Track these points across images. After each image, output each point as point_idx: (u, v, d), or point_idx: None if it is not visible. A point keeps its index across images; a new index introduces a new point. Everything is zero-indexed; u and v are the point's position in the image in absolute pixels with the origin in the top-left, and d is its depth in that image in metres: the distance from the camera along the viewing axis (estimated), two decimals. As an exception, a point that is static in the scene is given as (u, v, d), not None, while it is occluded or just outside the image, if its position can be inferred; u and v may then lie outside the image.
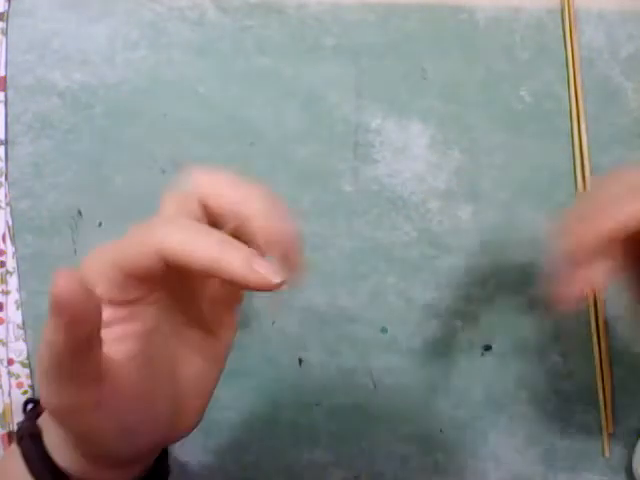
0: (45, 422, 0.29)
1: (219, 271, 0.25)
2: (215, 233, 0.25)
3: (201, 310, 0.30)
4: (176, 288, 0.28)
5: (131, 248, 0.27)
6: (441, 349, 0.46)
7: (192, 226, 0.26)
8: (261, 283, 0.25)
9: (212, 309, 0.30)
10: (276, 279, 0.25)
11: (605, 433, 0.46)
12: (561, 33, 0.48)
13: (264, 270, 0.25)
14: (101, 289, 0.26)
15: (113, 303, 0.26)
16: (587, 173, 0.47)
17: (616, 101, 0.48)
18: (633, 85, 0.48)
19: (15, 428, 0.44)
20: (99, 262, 0.26)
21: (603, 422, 0.46)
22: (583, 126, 0.47)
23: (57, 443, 0.28)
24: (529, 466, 0.46)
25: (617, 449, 0.46)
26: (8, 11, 0.47)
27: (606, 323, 0.46)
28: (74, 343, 0.23)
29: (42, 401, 0.25)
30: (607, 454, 0.46)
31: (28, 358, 0.45)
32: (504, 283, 0.47)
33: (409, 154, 0.47)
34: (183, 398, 0.29)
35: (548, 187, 0.47)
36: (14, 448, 0.29)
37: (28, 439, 0.29)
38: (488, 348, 0.46)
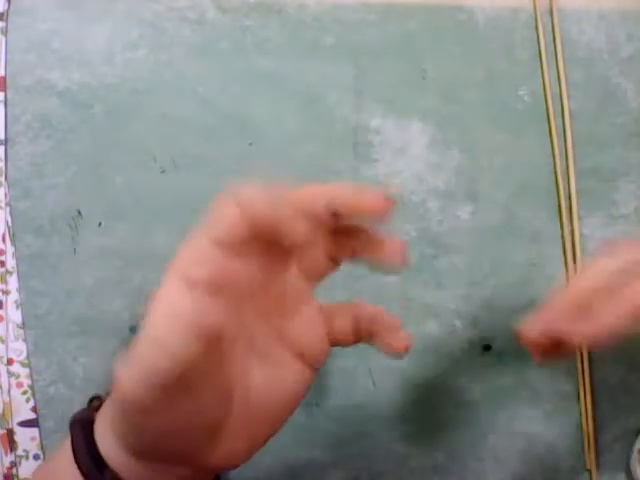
0: (102, 414, 0.29)
1: (334, 204, 0.26)
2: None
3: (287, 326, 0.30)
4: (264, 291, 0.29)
5: (219, 218, 0.26)
6: (441, 349, 0.46)
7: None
8: (374, 198, 0.27)
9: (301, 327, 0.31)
10: (385, 197, 0.27)
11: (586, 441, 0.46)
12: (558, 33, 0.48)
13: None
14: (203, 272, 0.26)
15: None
16: (571, 172, 0.47)
17: (616, 101, 0.48)
18: (633, 85, 0.48)
19: (14, 427, 0.44)
20: (197, 246, 0.27)
21: (584, 427, 0.46)
22: (568, 124, 0.47)
23: (106, 436, 0.28)
24: (529, 466, 0.46)
25: (616, 449, 0.46)
26: (8, 11, 0.47)
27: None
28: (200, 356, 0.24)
29: (127, 396, 0.25)
30: (588, 466, 0.46)
31: (28, 358, 0.45)
32: (504, 283, 0.47)
33: (409, 154, 0.47)
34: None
35: (548, 187, 0.47)
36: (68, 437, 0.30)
37: (78, 425, 0.29)
38: (488, 348, 0.46)
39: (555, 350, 0.34)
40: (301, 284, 0.31)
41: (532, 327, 0.34)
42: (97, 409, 0.31)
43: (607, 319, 0.31)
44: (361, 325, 0.32)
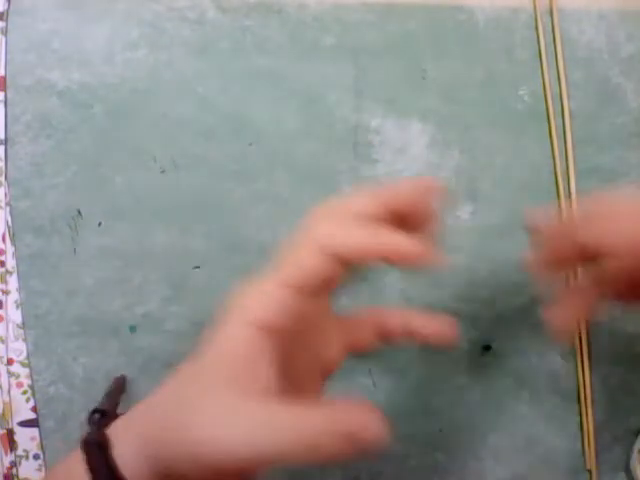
0: (119, 434, 0.29)
1: (385, 252, 0.28)
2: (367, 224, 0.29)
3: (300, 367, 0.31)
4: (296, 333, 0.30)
5: (297, 259, 0.29)
6: (441, 349, 0.46)
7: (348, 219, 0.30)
8: (421, 255, 0.28)
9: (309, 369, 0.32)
10: (431, 253, 0.29)
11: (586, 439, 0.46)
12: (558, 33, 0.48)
13: (421, 245, 0.29)
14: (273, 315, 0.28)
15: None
16: (571, 172, 0.47)
17: (616, 101, 0.48)
18: (633, 85, 0.48)
19: (14, 427, 0.44)
20: (265, 291, 0.28)
21: (584, 427, 0.46)
22: (567, 124, 0.48)
23: (130, 457, 0.28)
24: (529, 466, 0.46)
25: (616, 449, 0.46)
26: (8, 11, 0.47)
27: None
28: None
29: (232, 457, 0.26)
30: (588, 466, 0.46)
31: (28, 358, 0.45)
32: (504, 283, 0.47)
33: (409, 154, 0.47)
34: None
35: (548, 187, 0.47)
36: (76, 456, 0.29)
37: (95, 448, 0.29)
38: (488, 348, 0.46)
39: (561, 263, 0.35)
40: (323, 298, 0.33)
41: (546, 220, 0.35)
42: (104, 425, 0.30)
43: (629, 233, 0.31)
44: (389, 331, 0.33)
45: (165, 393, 0.29)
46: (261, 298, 0.28)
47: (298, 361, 0.31)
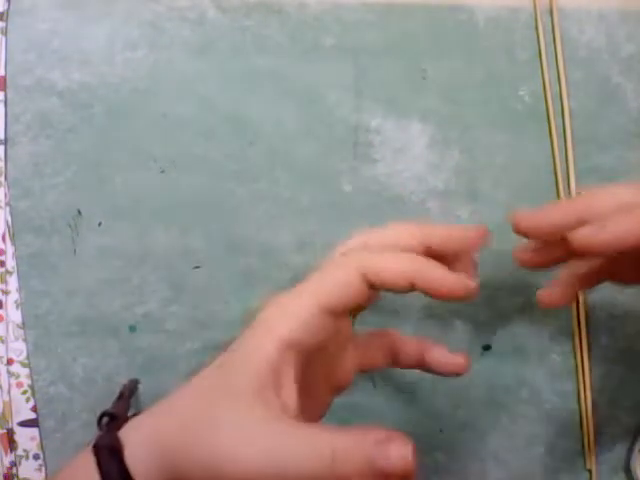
0: (130, 437, 0.29)
1: (422, 283, 0.29)
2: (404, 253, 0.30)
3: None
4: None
5: (333, 280, 0.29)
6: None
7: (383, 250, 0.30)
8: (459, 287, 0.29)
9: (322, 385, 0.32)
10: (470, 284, 0.30)
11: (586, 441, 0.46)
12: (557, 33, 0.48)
13: (459, 278, 0.30)
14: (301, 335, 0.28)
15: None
16: (571, 172, 0.47)
17: (616, 101, 0.48)
18: (633, 85, 0.48)
19: (14, 427, 0.44)
20: (300, 306, 0.29)
21: (584, 427, 0.46)
22: (568, 124, 0.47)
23: (141, 461, 0.28)
24: (529, 466, 0.46)
25: (616, 449, 0.46)
26: (8, 11, 0.47)
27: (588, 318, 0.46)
28: None
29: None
30: (588, 466, 0.46)
31: (28, 358, 0.45)
32: (504, 283, 0.47)
33: (409, 154, 0.47)
34: None
35: (548, 187, 0.47)
36: (86, 458, 0.29)
37: (106, 452, 0.28)
38: (488, 348, 0.46)
39: (548, 256, 0.35)
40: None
41: (532, 217, 0.35)
42: (115, 428, 0.30)
43: (616, 228, 0.30)
44: (403, 357, 0.34)
45: (184, 400, 0.29)
46: (292, 315, 0.28)
47: (313, 376, 0.31)
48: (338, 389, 0.34)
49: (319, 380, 0.32)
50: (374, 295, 0.31)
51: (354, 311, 0.30)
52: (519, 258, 0.38)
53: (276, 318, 0.28)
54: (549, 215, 0.34)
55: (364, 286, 0.28)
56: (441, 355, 0.34)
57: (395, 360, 0.34)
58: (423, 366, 0.34)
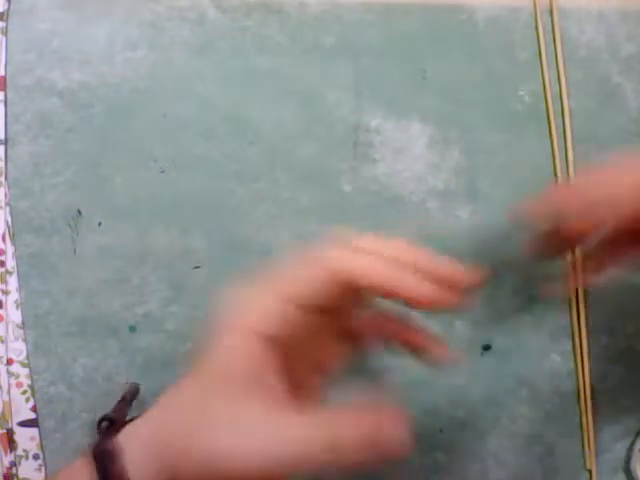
0: (129, 441, 0.29)
1: (396, 289, 0.28)
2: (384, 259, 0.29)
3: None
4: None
5: (305, 277, 0.29)
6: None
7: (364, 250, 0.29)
8: (433, 298, 0.29)
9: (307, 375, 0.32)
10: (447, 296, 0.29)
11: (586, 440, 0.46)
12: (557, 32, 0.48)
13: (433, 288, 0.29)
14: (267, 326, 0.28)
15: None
16: (571, 172, 0.47)
17: (616, 101, 0.48)
18: (633, 85, 0.48)
19: (14, 427, 0.44)
20: (266, 298, 0.28)
21: (584, 425, 0.46)
22: (567, 123, 0.48)
23: (140, 465, 0.28)
24: (529, 466, 0.46)
25: (616, 449, 0.46)
26: (8, 11, 0.47)
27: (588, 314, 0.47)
28: None
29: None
30: (588, 466, 0.46)
31: (27, 358, 0.45)
32: (504, 283, 0.47)
33: (408, 154, 0.47)
34: None
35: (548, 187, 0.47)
36: (85, 463, 0.29)
37: (106, 456, 0.29)
38: (488, 348, 0.46)
39: (554, 244, 0.35)
40: None
41: (539, 202, 0.35)
42: (114, 432, 0.30)
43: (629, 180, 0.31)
44: (387, 335, 0.34)
45: (178, 402, 0.29)
46: (261, 310, 0.28)
47: (299, 365, 0.31)
48: (328, 373, 0.34)
49: (305, 367, 0.32)
50: (356, 296, 0.30)
51: (334, 308, 0.30)
52: (528, 247, 0.38)
53: (246, 313, 0.29)
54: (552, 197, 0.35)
55: (335, 285, 0.28)
56: (419, 337, 0.33)
57: (380, 338, 0.34)
58: (404, 344, 0.34)
